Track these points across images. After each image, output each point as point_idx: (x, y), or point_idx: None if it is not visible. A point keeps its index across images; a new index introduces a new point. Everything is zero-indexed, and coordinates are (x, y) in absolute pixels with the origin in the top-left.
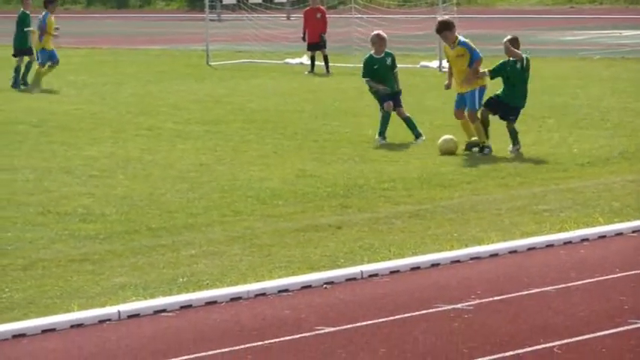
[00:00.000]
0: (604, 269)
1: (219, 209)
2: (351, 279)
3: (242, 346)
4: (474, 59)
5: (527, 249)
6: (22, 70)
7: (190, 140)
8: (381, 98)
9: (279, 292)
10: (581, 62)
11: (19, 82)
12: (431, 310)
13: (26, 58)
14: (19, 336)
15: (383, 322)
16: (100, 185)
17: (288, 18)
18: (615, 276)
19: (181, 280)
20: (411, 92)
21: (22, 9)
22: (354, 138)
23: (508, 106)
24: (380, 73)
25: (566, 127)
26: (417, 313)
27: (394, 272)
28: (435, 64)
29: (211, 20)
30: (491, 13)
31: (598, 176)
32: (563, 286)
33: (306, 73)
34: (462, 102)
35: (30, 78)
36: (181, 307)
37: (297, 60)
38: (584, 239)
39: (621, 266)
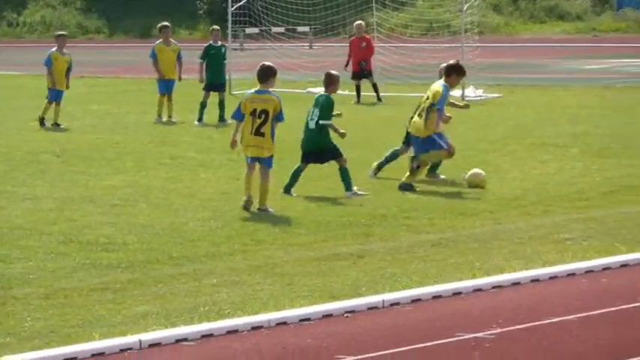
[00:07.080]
0: (626, 298)
1: (240, 238)
2: (372, 307)
3: None
4: (437, 107)
5: (549, 278)
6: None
7: (212, 169)
8: None
9: (301, 320)
10: (604, 91)
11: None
12: (452, 339)
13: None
14: None
15: (404, 350)
16: (122, 214)
17: (311, 47)
18: (637, 304)
19: (203, 309)
20: None
21: (212, 42)
22: None
23: None
24: None
25: (589, 156)
26: (439, 342)
27: (416, 301)
28: (458, 92)
29: (234, 49)
30: (515, 42)
31: (621, 205)
32: (585, 314)
33: (353, 102)
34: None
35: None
36: (202, 336)
37: (319, 89)
38: (606, 268)
39: None
